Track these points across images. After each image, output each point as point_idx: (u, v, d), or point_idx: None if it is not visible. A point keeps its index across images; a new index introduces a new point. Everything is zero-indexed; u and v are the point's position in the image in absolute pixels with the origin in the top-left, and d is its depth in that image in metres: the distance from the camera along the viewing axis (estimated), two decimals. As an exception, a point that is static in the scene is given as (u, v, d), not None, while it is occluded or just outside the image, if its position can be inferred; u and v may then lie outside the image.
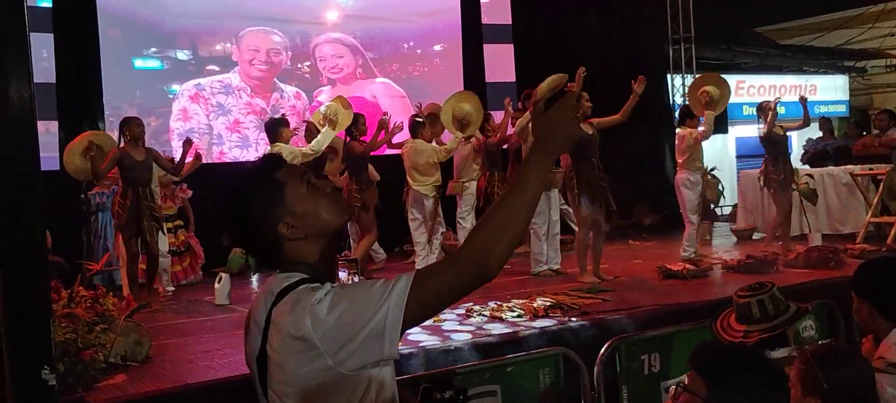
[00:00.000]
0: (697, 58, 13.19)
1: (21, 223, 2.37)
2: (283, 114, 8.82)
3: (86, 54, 9.58)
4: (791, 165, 8.75)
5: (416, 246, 8.18)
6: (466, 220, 8.54)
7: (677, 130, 8.86)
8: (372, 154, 8.11)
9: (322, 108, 8.04)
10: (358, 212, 7.83)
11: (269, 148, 7.46)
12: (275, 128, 7.57)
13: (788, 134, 9.05)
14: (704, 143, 8.51)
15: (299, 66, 11.06)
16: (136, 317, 5.10)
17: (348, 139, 8.02)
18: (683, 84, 13.11)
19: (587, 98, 7.21)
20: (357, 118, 8.02)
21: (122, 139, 7.17)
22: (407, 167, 8.06)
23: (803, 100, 9.06)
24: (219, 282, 7.18)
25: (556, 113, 1.65)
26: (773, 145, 8.63)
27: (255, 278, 8.54)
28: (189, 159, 7.77)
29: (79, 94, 9.54)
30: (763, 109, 8.64)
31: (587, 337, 5.19)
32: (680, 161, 8.48)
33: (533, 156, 1.64)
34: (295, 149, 7.50)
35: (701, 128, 8.40)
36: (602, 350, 4.38)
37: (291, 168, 1.81)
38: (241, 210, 1.77)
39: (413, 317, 1.59)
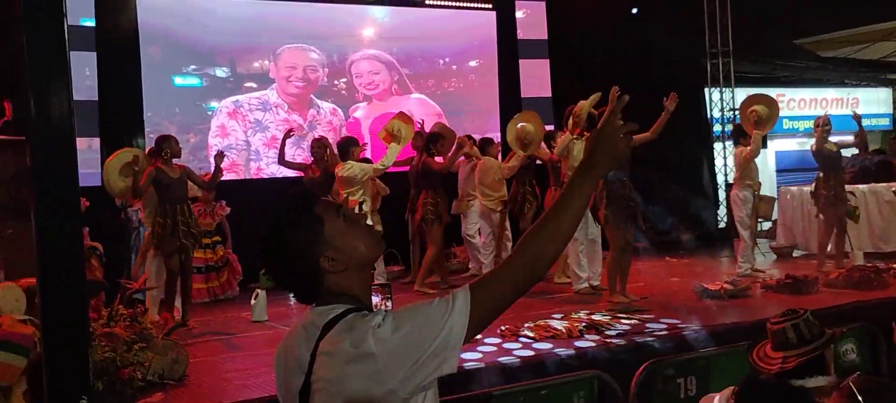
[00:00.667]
0: (736, 71, 13.03)
1: (61, 242, 2.40)
2: (339, 135, 9.08)
3: (127, 72, 9.75)
4: (842, 183, 8.62)
5: (483, 257, 8.64)
6: (475, 236, 8.97)
7: (734, 149, 9.09)
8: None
9: (387, 125, 8.23)
10: (430, 225, 8.24)
11: (340, 167, 7.81)
12: (346, 147, 7.91)
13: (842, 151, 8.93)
14: None
15: (336, 82, 11.14)
16: (174, 335, 5.16)
17: (425, 156, 8.39)
18: (722, 98, 12.96)
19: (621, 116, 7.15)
20: (436, 136, 8.49)
21: (158, 156, 7.25)
22: (476, 183, 8.66)
23: (857, 117, 8.94)
24: (255, 299, 7.25)
25: (607, 132, 1.74)
26: (825, 161, 8.59)
27: (292, 295, 8.57)
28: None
29: (120, 112, 9.71)
30: (816, 124, 8.59)
31: (623, 359, 5.13)
32: (735, 178, 8.75)
33: (580, 171, 1.74)
34: (366, 166, 7.83)
35: (750, 147, 8.36)
36: (637, 373, 4.33)
37: (327, 203, 1.82)
38: (280, 247, 1.78)
39: (474, 329, 1.64)
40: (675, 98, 7.24)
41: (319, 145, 8.38)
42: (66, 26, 2.55)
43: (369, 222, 7.61)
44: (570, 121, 7.60)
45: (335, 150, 8.17)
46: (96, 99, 9.35)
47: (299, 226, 1.76)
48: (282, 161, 8.51)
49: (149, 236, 7.36)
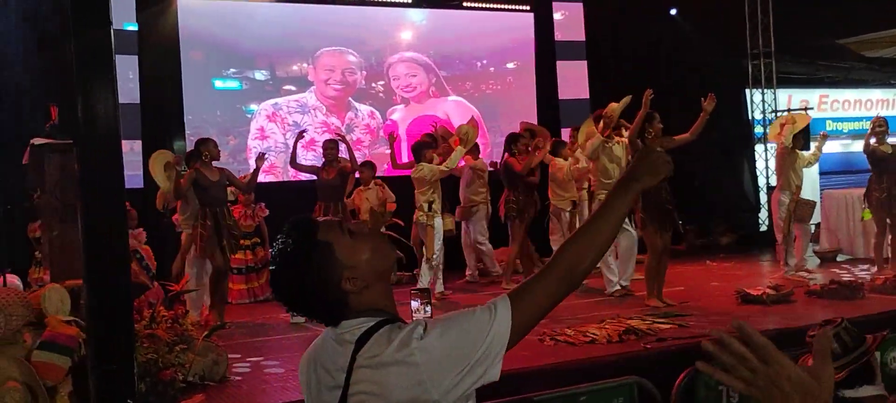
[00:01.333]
0: (778, 72, 12.83)
1: (108, 245, 2.43)
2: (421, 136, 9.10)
3: (168, 75, 9.89)
4: None
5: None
6: (485, 243, 9.22)
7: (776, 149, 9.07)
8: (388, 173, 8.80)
9: (457, 129, 8.54)
10: (513, 221, 8.57)
11: (414, 168, 8.06)
12: (420, 149, 8.10)
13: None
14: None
15: (373, 85, 11.18)
16: (214, 337, 5.21)
17: (507, 155, 8.71)
18: (763, 100, 12.77)
19: (659, 119, 7.10)
20: (515, 137, 8.78)
21: (197, 159, 7.35)
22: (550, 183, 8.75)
23: None
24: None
25: (650, 152, 1.80)
26: (878, 162, 8.53)
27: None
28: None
29: (161, 114, 9.85)
30: (872, 125, 8.55)
31: (663, 365, 5.06)
32: (778, 180, 8.80)
33: (622, 182, 1.79)
34: (434, 167, 7.95)
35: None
36: (679, 379, 4.27)
37: (328, 224, 1.78)
38: (297, 283, 1.74)
39: (516, 337, 1.65)
40: (712, 98, 7.15)
41: (332, 145, 8.29)
42: (112, 32, 2.57)
43: (439, 221, 8.08)
44: (601, 123, 7.59)
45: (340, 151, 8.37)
46: (138, 101, 9.49)
47: (310, 258, 1.72)
48: (294, 163, 8.37)
49: (187, 238, 7.46)
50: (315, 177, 8.24)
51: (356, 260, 1.74)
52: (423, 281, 7.80)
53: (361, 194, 8.81)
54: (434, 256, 7.90)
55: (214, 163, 7.35)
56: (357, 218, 8.30)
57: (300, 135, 8.39)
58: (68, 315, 4.58)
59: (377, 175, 9.20)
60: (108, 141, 2.48)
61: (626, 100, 7.42)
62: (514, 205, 8.57)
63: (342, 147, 8.37)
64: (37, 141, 5.29)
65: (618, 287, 7.75)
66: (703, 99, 7.16)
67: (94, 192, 2.43)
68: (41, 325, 4.49)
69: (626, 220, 7.83)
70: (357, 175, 8.69)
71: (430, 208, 7.83)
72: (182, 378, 4.71)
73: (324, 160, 8.26)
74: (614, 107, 7.56)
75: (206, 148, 7.33)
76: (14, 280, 5.54)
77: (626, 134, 7.49)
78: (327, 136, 9.06)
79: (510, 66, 12.04)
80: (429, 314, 4.57)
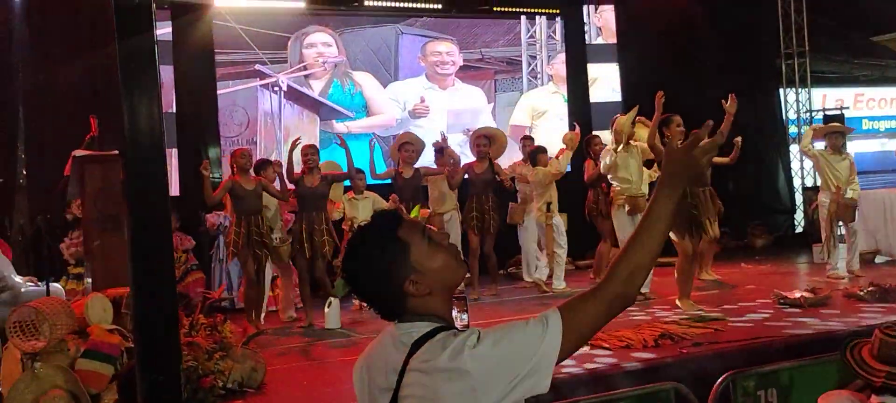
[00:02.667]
0: (813, 71, 12.68)
1: (154, 254, 2.47)
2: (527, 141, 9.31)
3: (203, 83, 10.01)
4: None
5: None
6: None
7: None
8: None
9: (564, 136, 9.08)
10: (596, 220, 9.03)
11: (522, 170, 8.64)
12: (535, 154, 8.57)
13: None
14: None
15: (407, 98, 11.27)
16: (251, 344, 5.27)
17: (588, 159, 9.05)
18: (797, 99, 12.63)
19: (680, 123, 7.04)
20: (590, 140, 9.03)
21: (231, 168, 7.45)
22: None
23: None
24: (328, 307, 7.35)
25: (686, 154, 1.78)
26: None
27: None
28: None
29: (196, 122, 9.98)
30: None
31: (699, 371, 5.02)
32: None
33: (660, 190, 1.78)
34: (548, 171, 8.39)
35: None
36: (717, 385, 4.24)
37: (412, 225, 1.83)
38: (365, 269, 1.81)
39: (567, 351, 1.67)
40: (734, 99, 7.06)
41: (313, 150, 7.73)
42: (155, 43, 2.62)
43: (558, 219, 8.51)
44: (613, 139, 7.62)
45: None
46: (173, 110, 9.63)
47: (385, 251, 1.78)
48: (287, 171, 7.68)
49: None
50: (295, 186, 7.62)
51: (426, 266, 1.78)
52: (542, 275, 8.79)
53: (355, 204, 8.33)
54: (557, 253, 8.52)
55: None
56: (350, 230, 8.12)
57: (295, 144, 7.71)
58: (111, 323, 4.68)
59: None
60: (153, 150, 2.52)
61: (634, 111, 7.46)
62: (594, 206, 9.04)
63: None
64: (78, 153, 5.39)
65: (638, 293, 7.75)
66: (723, 101, 7.09)
67: (140, 202, 2.47)
68: (84, 334, 4.60)
69: None
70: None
71: (548, 208, 8.46)
72: (221, 385, 4.77)
73: (304, 167, 7.60)
74: (622, 121, 7.57)
75: (242, 158, 7.43)
76: (57, 289, 5.64)
77: (643, 136, 7.47)
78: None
79: (541, 68, 12.02)
80: (465, 321, 4.59)
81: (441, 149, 8.64)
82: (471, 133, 9.09)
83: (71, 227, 7.80)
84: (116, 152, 5.75)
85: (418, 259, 1.77)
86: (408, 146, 8.32)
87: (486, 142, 8.40)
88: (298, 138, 7.76)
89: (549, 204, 8.46)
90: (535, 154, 8.67)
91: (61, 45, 9.31)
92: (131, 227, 2.40)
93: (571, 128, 9.16)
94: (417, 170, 8.33)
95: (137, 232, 2.39)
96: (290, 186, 7.54)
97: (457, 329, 1.75)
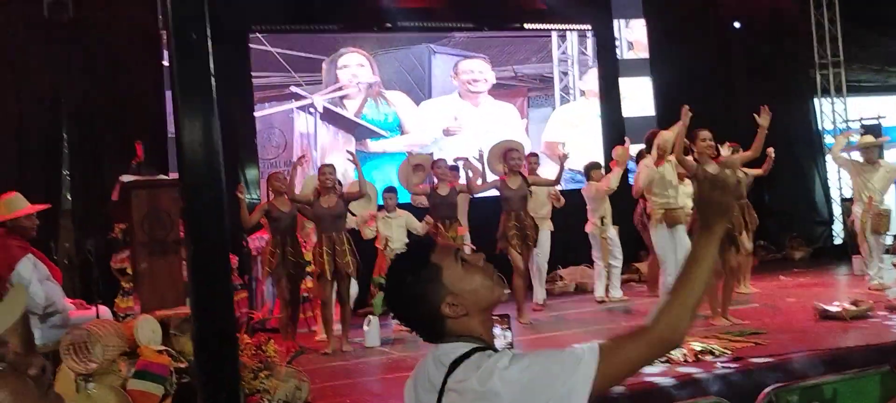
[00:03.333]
0: (848, 81, 12.57)
1: (213, 276, 2.55)
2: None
3: (240, 105, 10.18)
4: None
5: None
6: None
7: None
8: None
9: (614, 152, 8.97)
10: (643, 231, 8.95)
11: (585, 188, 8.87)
12: (589, 170, 8.98)
13: None
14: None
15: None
16: (295, 363, 5.35)
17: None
18: (833, 109, 12.52)
19: (707, 137, 7.01)
20: (641, 154, 8.79)
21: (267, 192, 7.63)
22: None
23: None
24: (367, 325, 7.43)
25: (711, 192, 1.79)
26: None
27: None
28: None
29: (233, 143, 10.13)
30: None
31: (741, 385, 5.03)
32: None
33: (699, 239, 1.78)
34: (600, 186, 8.70)
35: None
36: (758, 400, 4.23)
37: (444, 249, 1.88)
38: (402, 295, 1.87)
39: (599, 388, 1.66)
40: (766, 111, 7.03)
41: (330, 170, 7.54)
42: (212, 66, 2.71)
43: (613, 233, 8.75)
44: (654, 152, 7.61)
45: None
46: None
47: (418, 276, 1.83)
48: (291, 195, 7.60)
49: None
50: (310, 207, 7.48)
51: (461, 288, 1.82)
52: (599, 291, 8.99)
53: (388, 222, 8.33)
54: (613, 264, 8.85)
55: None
56: (383, 248, 8.15)
57: (299, 162, 7.86)
58: (160, 344, 4.79)
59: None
60: (211, 171, 2.60)
61: (676, 126, 7.42)
62: (643, 218, 8.94)
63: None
64: (125, 178, 5.54)
65: None
66: (756, 114, 7.06)
67: (198, 224, 2.55)
68: (134, 355, 4.71)
69: (685, 237, 7.79)
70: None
71: (602, 222, 8.75)
72: (267, 403, 4.86)
73: (320, 187, 7.42)
74: (667, 137, 7.57)
75: (276, 180, 7.60)
76: (105, 311, 5.78)
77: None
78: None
79: (573, 84, 12.07)
80: (509, 339, 4.65)
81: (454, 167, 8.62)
82: (492, 149, 8.47)
83: (115, 249, 8.00)
84: (163, 177, 5.91)
85: (452, 281, 1.82)
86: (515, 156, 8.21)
87: (518, 155, 8.20)
88: (302, 156, 7.90)
89: (603, 217, 8.78)
90: (588, 169, 9.03)
91: (105, 70, 9.54)
92: (191, 250, 2.49)
93: (622, 143, 9.19)
94: (454, 187, 8.28)
95: (196, 254, 2.47)
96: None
97: (493, 349, 1.80)
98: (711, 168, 6.98)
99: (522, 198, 8.05)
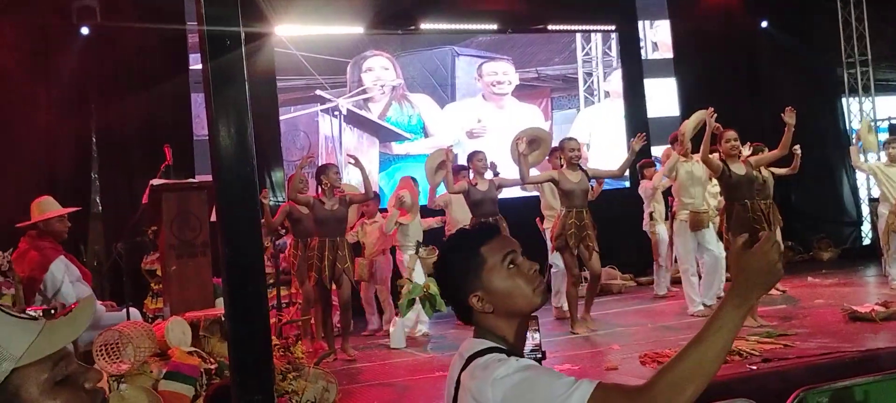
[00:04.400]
0: (876, 80, 12.43)
1: (248, 276, 2.57)
2: None
3: (265, 108, 10.24)
4: None
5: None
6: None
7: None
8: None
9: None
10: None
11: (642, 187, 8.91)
12: (643, 169, 9.25)
13: None
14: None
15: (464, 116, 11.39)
16: (323, 364, 5.39)
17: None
18: (861, 109, 12.39)
19: (733, 137, 6.98)
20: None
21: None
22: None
23: None
24: (393, 326, 7.46)
25: (756, 255, 1.58)
26: None
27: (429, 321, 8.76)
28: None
29: (259, 145, 10.19)
30: None
31: (770, 387, 4.99)
32: None
33: (729, 300, 1.55)
34: (658, 184, 8.83)
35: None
36: (788, 401, 4.20)
37: (498, 245, 1.86)
38: (445, 272, 1.91)
39: None
40: (792, 111, 6.95)
41: (335, 170, 7.37)
42: (245, 67, 2.74)
43: (662, 229, 8.77)
44: (684, 142, 7.64)
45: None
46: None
47: (462, 261, 1.85)
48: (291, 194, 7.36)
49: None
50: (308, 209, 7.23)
51: (494, 287, 1.82)
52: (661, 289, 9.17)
53: (367, 228, 8.34)
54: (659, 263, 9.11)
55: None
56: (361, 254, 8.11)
57: (305, 160, 7.49)
58: (190, 346, 4.85)
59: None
60: (244, 172, 2.63)
61: (698, 114, 7.39)
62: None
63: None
64: (155, 181, 5.61)
65: (701, 307, 7.71)
66: (782, 114, 6.99)
67: (232, 224, 2.58)
68: (165, 356, 4.77)
69: (714, 237, 7.75)
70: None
71: (651, 217, 9.08)
72: (295, 404, 4.89)
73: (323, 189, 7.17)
74: (686, 126, 7.55)
75: (294, 186, 7.59)
76: (135, 313, 5.85)
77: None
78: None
79: (597, 84, 12.04)
80: (537, 340, 4.66)
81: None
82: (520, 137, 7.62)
83: (145, 251, 8.09)
84: (192, 180, 5.98)
85: (490, 277, 1.82)
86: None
87: (575, 145, 7.42)
88: (311, 155, 7.72)
89: (650, 213, 9.11)
90: (642, 167, 9.26)
91: (132, 74, 9.66)
92: (225, 250, 2.51)
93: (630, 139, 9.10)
94: (491, 181, 7.81)
95: (230, 254, 2.50)
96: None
97: (512, 353, 1.77)
98: (737, 168, 6.96)
99: (584, 192, 7.34)
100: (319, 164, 7.55)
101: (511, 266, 1.84)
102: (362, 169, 7.30)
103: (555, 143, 8.53)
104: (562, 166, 7.46)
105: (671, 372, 1.51)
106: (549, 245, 7.82)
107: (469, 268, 1.83)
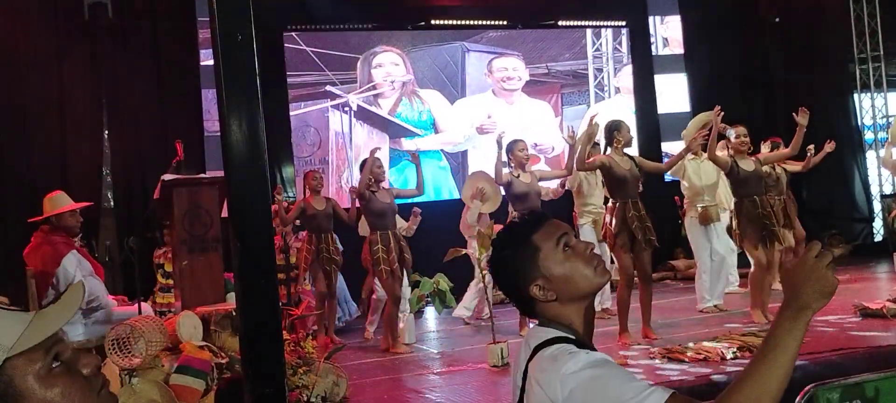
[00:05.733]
0: (888, 76, 12.36)
1: (259, 269, 2.59)
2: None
3: (275, 104, 10.27)
4: None
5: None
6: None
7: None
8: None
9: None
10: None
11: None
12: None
13: None
14: None
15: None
16: (333, 359, 5.41)
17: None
18: (873, 105, 12.33)
19: (742, 133, 6.97)
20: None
21: (304, 190, 7.85)
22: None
23: None
24: (403, 322, 7.48)
25: (804, 267, 1.52)
26: None
27: (434, 318, 8.81)
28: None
29: (270, 144, 10.23)
30: None
31: (781, 382, 4.97)
32: None
33: (783, 317, 1.53)
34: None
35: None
36: (798, 397, 4.20)
37: (549, 230, 1.84)
38: (499, 267, 1.88)
39: None
40: (805, 112, 6.87)
41: (379, 164, 7.36)
42: (256, 64, 2.75)
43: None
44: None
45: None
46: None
47: (516, 252, 1.83)
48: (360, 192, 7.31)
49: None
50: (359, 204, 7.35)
51: (554, 272, 1.79)
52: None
53: None
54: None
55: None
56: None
57: (373, 154, 7.31)
58: (201, 340, 4.87)
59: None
60: (256, 168, 2.65)
61: (701, 116, 7.34)
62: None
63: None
64: (167, 177, 5.64)
65: (710, 304, 7.70)
66: (794, 113, 6.95)
67: (244, 219, 2.59)
68: (177, 350, 4.80)
69: (723, 233, 7.74)
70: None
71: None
72: (305, 399, 4.91)
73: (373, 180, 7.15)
74: (689, 129, 7.53)
75: (312, 179, 7.76)
76: (147, 307, 5.89)
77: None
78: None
79: (607, 80, 12.02)
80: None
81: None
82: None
83: (156, 246, 8.14)
84: (203, 175, 6.00)
85: (547, 264, 1.79)
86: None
87: (525, 146, 7.34)
88: (377, 148, 7.49)
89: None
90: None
91: (144, 70, 9.70)
92: (236, 245, 2.53)
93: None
94: (533, 172, 7.43)
95: (242, 249, 2.51)
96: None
97: (579, 342, 1.73)
98: (746, 164, 6.94)
99: (636, 180, 6.71)
100: (365, 158, 7.52)
101: (566, 248, 1.81)
102: (419, 166, 7.48)
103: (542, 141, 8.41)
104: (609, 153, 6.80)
105: (739, 393, 1.49)
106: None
107: (524, 258, 1.81)
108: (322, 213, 7.62)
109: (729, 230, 7.46)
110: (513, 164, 7.22)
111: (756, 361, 1.50)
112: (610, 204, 6.75)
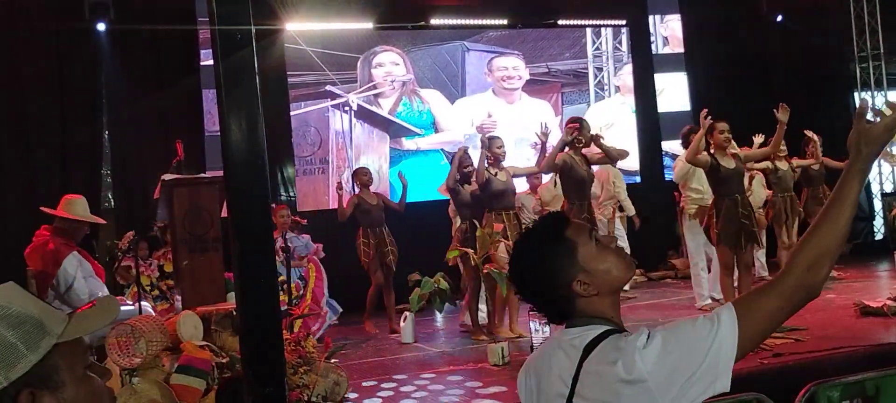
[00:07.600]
0: (888, 74, 12.36)
1: (259, 269, 2.59)
2: None
3: (276, 104, 10.26)
4: None
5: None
6: None
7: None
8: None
9: None
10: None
11: None
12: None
13: None
14: None
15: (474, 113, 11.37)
16: (334, 358, 5.41)
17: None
18: (873, 103, 12.31)
19: (725, 129, 6.77)
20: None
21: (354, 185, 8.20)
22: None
23: None
24: (404, 321, 7.48)
25: (878, 126, 1.68)
26: None
27: (439, 316, 8.78)
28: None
29: (271, 143, 10.22)
30: None
31: (781, 381, 4.97)
32: None
33: (853, 167, 1.66)
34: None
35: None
36: (800, 395, 4.20)
37: (579, 226, 1.84)
38: (532, 270, 1.83)
39: (745, 349, 1.60)
40: (785, 108, 6.77)
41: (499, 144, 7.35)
42: (256, 64, 2.75)
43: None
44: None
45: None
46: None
47: (553, 251, 1.80)
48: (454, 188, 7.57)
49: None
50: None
51: (594, 267, 1.78)
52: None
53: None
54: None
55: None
56: None
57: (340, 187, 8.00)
58: (201, 340, 4.87)
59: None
60: (255, 168, 2.65)
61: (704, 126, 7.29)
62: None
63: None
64: (167, 177, 5.63)
65: (708, 301, 7.70)
66: (774, 110, 6.84)
67: (243, 219, 2.60)
68: (177, 350, 4.79)
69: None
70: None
71: None
72: (306, 398, 4.91)
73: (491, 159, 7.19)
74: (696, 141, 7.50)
75: (362, 175, 8.09)
76: (148, 307, 5.88)
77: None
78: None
79: (608, 79, 12.02)
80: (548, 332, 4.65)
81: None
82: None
83: (154, 247, 8.13)
84: (203, 175, 6.00)
85: (586, 259, 1.78)
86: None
87: (501, 143, 7.45)
88: (466, 147, 7.79)
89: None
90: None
91: (144, 70, 9.70)
92: (236, 245, 2.53)
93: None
94: (508, 170, 7.46)
95: (242, 249, 2.52)
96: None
97: (625, 331, 1.74)
98: (727, 162, 6.78)
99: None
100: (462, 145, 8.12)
101: (598, 242, 1.82)
102: (404, 186, 8.23)
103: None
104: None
105: (806, 252, 1.62)
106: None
107: (562, 255, 1.78)
108: (376, 208, 7.91)
109: (706, 230, 7.25)
110: (490, 161, 7.24)
111: (825, 214, 1.64)
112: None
